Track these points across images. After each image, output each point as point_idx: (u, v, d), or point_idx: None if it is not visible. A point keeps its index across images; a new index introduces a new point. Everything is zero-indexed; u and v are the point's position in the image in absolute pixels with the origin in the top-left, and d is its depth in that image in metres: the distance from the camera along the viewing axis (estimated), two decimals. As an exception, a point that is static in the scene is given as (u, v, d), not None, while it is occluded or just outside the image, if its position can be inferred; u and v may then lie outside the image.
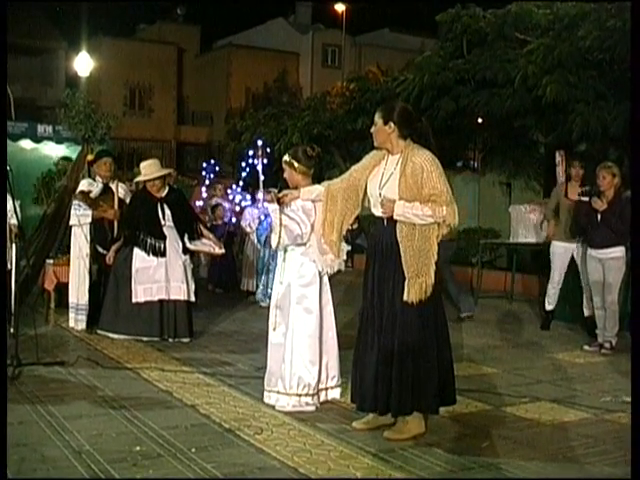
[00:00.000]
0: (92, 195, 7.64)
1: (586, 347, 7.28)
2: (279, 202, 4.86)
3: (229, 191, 12.61)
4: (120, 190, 7.75)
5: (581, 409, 5.07)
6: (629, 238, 7.00)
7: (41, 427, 4.40)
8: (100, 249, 7.57)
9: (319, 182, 4.95)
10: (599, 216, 7.11)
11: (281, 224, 4.82)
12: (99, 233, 7.61)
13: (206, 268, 12.02)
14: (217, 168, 15.40)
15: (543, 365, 6.55)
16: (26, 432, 4.25)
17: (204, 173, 14.87)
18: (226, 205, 11.95)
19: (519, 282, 11.16)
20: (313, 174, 5.09)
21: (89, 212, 7.53)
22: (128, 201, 7.65)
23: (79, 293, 7.61)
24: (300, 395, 4.88)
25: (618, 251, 7.08)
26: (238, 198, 12.13)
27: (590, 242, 7.33)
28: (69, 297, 7.71)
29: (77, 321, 7.62)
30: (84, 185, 7.77)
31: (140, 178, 7.39)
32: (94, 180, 7.79)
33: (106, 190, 7.69)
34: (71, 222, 7.71)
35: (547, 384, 5.83)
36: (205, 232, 7.49)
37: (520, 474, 3.82)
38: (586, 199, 7.31)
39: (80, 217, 7.57)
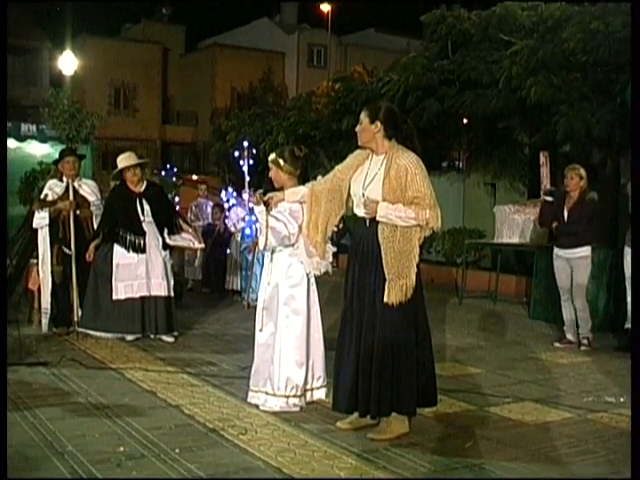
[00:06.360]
0: (55, 195, 7.43)
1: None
2: (265, 204, 4.85)
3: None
4: (85, 188, 7.57)
5: (564, 409, 5.10)
6: (596, 239, 7.17)
7: (23, 428, 4.37)
8: (66, 250, 7.35)
9: (304, 183, 4.94)
10: (566, 216, 7.23)
11: (267, 225, 4.82)
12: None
13: (199, 269, 11.89)
14: (175, 170, 15.92)
15: (527, 365, 6.57)
16: (8, 433, 4.21)
17: (163, 173, 15.26)
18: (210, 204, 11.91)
19: (503, 282, 11.20)
20: (301, 175, 5.06)
21: (46, 214, 7.33)
22: (94, 199, 7.53)
23: (45, 297, 7.48)
24: (288, 396, 4.87)
25: (584, 250, 7.25)
26: (229, 199, 12.07)
27: (557, 242, 7.45)
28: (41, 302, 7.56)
29: (43, 325, 7.51)
30: (49, 186, 7.55)
31: (120, 166, 7.21)
32: (60, 180, 7.55)
33: (68, 189, 7.44)
34: (34, 224, 7.48)
35: (530, 384, 5.86)
36: (184, 226, 7.44)
37: (503, 474, 3.84)
38: (550, 199, 7.44)
39: (39, 220, 7.37)
